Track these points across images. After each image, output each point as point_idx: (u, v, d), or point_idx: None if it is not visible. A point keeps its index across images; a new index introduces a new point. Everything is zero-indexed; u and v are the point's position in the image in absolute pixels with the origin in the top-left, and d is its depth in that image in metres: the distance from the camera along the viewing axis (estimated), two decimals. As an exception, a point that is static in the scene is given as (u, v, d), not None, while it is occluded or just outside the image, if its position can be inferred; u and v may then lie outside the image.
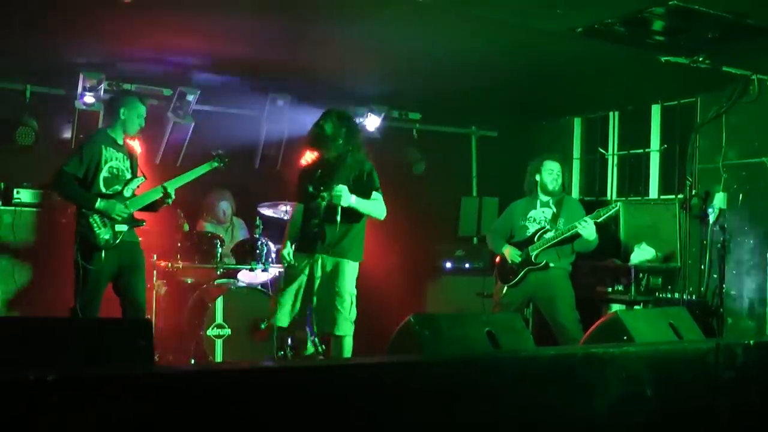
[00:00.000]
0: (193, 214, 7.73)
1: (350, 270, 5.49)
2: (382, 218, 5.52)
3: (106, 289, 5.69)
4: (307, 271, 5.53)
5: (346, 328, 5.42)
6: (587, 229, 6.07)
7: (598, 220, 6.11)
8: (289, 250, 5.55)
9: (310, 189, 5.49)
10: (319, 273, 5.48)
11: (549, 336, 6.33)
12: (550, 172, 6.49)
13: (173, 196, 5.85)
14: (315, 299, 5.51)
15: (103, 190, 5.61)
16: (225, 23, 5.84)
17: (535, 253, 6.29)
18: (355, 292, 5.51)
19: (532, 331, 6.76)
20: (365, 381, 2.66)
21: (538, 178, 6.54)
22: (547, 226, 6.35)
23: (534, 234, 6.36)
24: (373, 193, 5.47)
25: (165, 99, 7.85)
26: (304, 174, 5.74)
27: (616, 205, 6.24)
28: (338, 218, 5.32)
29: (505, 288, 6.45)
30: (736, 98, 7.10)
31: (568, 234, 6.19)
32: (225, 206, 7.83)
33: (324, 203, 5.42)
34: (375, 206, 5.45)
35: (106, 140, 5.70)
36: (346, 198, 5.30)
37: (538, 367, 3.13)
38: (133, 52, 6.75)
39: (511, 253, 6.41)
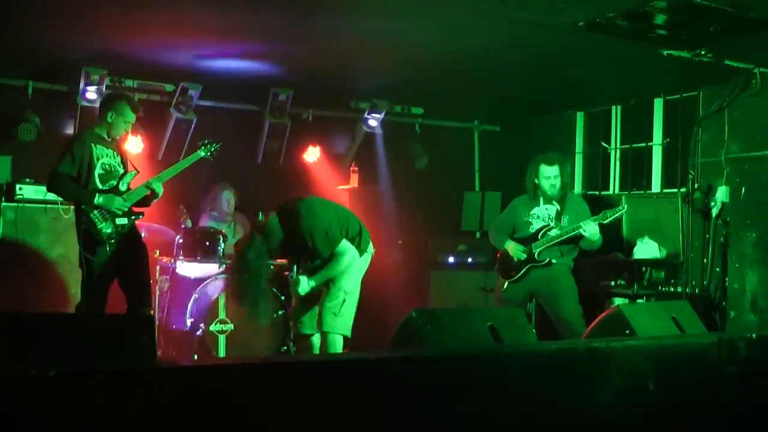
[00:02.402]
0: (195, 209, 7.73)
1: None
2: (353, 263, 5.49)
3: (112, 284, 5.71)
4: None
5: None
6: (590, 230, 6.04)
7: (605, 222, 6.05)
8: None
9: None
10: None
11: (552, 331, 6.33)
12: (546, 178, 6.35)
13: (159, 194, 5.85)
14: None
15: (99, 186, 5.63)
16: (226, 18, 5.84)
17: (538, 250, 6.26)
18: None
19: (535, 325, 6.77)
20: (367, 375, 2.66)
21: (536, 181, 6.46)
22: (552, 224, 6.32)
23: (538, 231, 6.33)
24: (338, 246, 5.41)
25: (167, 94, 7.86)
26: None
27: (623, 207, 6.15)
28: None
29: (506, 283, 6.43)
30: (739, 92, 7.09)
31: (573, 234, 6.16)
32: (228, 196, 7.81)
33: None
34: (335, 268, 5.42)
35: (94, 138, 5.71)
36: (303, 287, 5.45)
37: (541, 361, 3.13)
38: (135, 47, 6.74)
39: (514, 248, 6.38)
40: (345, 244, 5.43)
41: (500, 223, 6.76)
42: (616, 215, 6.06)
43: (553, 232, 6.24)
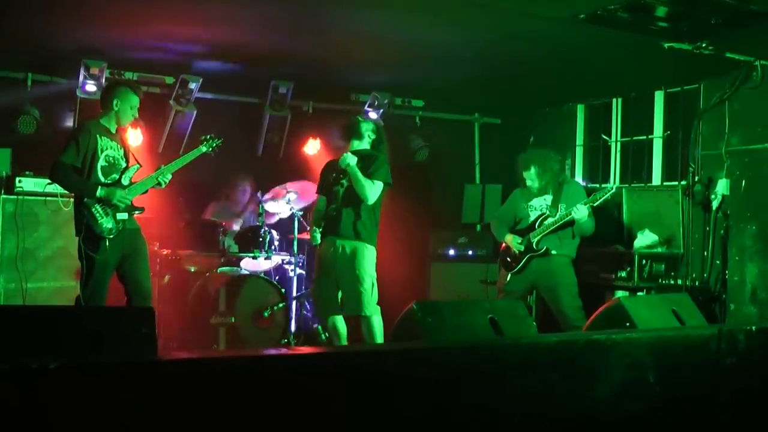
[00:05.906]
0: (195, 201, 7.73)
1: (368, 254, 5.83)
2: (369, 201, 5.81)
3: (111, 278, 5.70)
4: (330, 256, 5.89)
5: (372, 308, 5.75)
6: (579, 213, 6.12)
7: (594, 204, 6.15)
8: (316, 233, 6.01)
9: (333, 176, 5.94)
10: (339, 257, 5.84)
11: (553, 323, 6.35)
12: (527, 179, 6.56)
13: (164, 185, 5.85)
14: (340, 283, 5.90)
15: (101, 179, 5.61)
16: (226, 10, 5.83)
17: (536, 239, 6.31)
18: (374, 274, 5.86)
19: (536, 318, 6.79)
20: (368, 368, 2.66)
21: (523, 177, 6.63)
22: (548, 212, 6.37)
23: (535, 221, 6.39)
24: (374, 181, 5.81)
25: (167, 87, 7.85)
26: (328, 166, 6.22)
27: (612, 188, 6.24)
28: (341, 190, 5.84)
29: (509, 275, 6.48)
30: (739, 84, 7.07)
31: (567, 219, 6.21)
32: (245, 185, 7.95)
33: (342, 190, 5.83)
34: (367, 184, 5.78)
35: (99, 129, 5.68)
36: (350, 158, 5.77)
37: (541, 353, 3.13)
38: (134, 39, 6.73)
39: (512, 240, 6.44)
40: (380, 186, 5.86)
41: (501, 214, 6.87)
42: (605, 196, 6.15)
43: (549, 220, 6.31)
